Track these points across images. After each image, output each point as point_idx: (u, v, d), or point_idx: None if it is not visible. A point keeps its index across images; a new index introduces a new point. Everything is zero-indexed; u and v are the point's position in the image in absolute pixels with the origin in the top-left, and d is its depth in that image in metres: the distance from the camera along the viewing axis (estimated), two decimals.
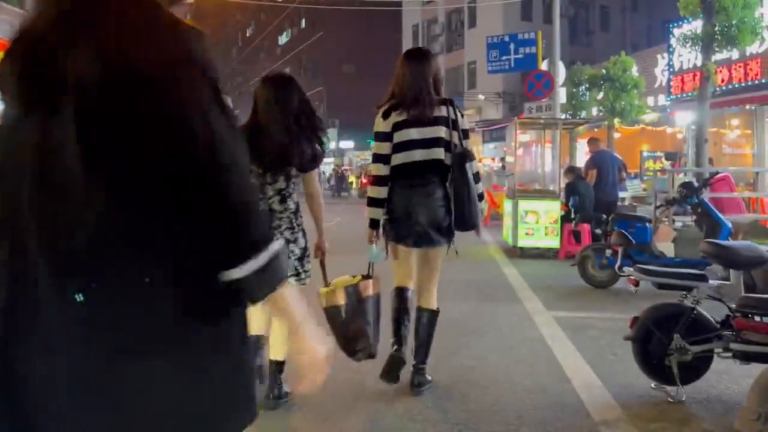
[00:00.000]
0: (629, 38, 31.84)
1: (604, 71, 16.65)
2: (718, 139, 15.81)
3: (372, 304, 3.29)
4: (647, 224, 6.59)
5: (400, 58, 3.61)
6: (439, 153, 3.42)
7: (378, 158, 3.50)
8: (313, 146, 3.15)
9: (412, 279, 3.63)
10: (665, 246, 6.59)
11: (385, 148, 3.47)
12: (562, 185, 9.82)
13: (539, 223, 9.18)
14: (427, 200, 3.42)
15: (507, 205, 10.25)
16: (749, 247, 3.52)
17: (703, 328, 3.40)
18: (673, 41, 14.93)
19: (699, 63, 11.32)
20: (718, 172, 7.57)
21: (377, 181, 3.51)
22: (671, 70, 16.06)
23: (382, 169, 3.48)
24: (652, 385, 3.53)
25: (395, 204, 3.47)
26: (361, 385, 3.61)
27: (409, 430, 3.05)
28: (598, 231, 8.40)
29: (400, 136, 3.43)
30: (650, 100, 18.06)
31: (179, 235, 1.03)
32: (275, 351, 3.21)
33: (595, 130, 17.36)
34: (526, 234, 9.24)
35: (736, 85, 14.28)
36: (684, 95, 15.34)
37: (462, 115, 3.55)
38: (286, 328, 1.19)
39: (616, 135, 17.01)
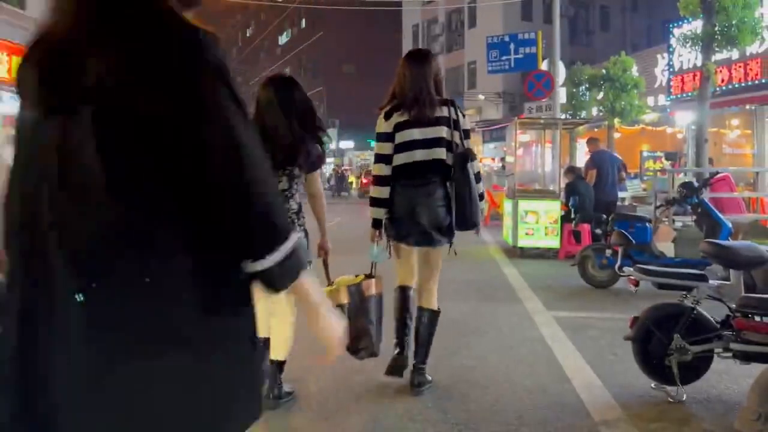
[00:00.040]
0: (629, 38, 31.84)
1: (604, 71, 16.65)
2: (718, 139, 15.81)
3: (374, 303, 3.31)
4: (647, 224, 6.59)
5: (402, 60, 3.64)
6: (441, 153, 3.45)
7: (380, 158, 3.53)
8: (316, 147, 3.18)
9: (414, 278, 3.65)
10: (665, 246, 6.59)
11: (386, 148, 3.49)
12: (562, 185, 9.82)
13: (539, 223, 9.19)
14: (428, 200, 3.44)
15: (507, 205, 10.25)
16: (749, 247, 3.52)
17: (703, 328, 3.40)
18: (673, 41, 14.92)
19: (699, 63, 11.31)
20: (718, 172, 7.57)
21: (379, 181, 3.53)
22: (671, 70, 16.06)
23: (384, 170, 3.50)
24: (652, 385, 3.53)
25: (397, 204, 3.49)
26: (361, 385, 3.62)
27: (409, 430, 3.05)
28: (598, 231, 8.40)
29: (401, 137, 3.45)
30: (650, 100, 18.06)
31: (201, 231, 1.06)
32: (275, 351, 3.21)
33: (595, 130, 17.37)
34: (526, 234, 9.24)
35: (736, 85, 14.28)
36: (684, 95, 15.34)
37: (463, 116, 3.58)
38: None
39: (616, 135, 17.01)
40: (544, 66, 15.22)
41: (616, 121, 16.51)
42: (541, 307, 5.77)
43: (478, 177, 3.52)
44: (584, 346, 4.45)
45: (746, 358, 3.23)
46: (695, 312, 3.41)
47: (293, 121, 3.11)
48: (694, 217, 6.31)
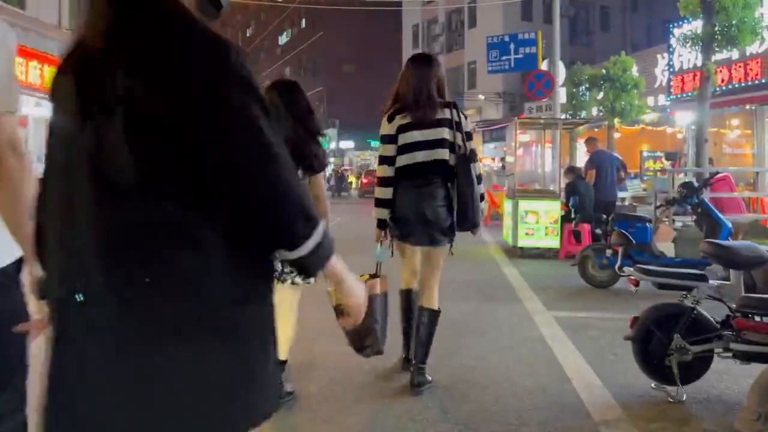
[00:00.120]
0: (629, 38, 31.87)
1: (604, 71, 16.65)
2: (718, 139, 15.81)
3: (380, 302, 3.32)
4: (647, 224, 6.59)
5: (406, 63, 3.73)
6: (443, 154, 3.50)
7: (383, 160, 3.60)
8: (321, 149, 3.24)
9: (416, 279, 3.76)
10: (665, 246, 6.59)
11: (390, 150, 3.55)
12: (562, 185, 9.83)
13: (539, 223, 9.19)
14: (429, 200, 3.49)
15: (507, 205, 10.25)
16: (749, 247, 3.52)
17: (704, 328, 3.40)
18: (673, 41, 14.93)
19: (699, 63, 11.31)
20: (718, 172, 7.58)
21: (383, 182, 3.60)
22: (671, 70, 16.07)
23: (387, 171, 3.57)
24: (652, 385, 3.53)
25: (399, 204, 3.56)
26: (361, 385, 3.62)
27: (409, 430, 3.06)
28: (598, 231, 8.40)
29: (404, 138, 3.52)
30: (650, 100, 18.07)
31: (231, 229, 1.13)
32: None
33: (595, 130, 17.37)
34: (526, 234, 9.24)
35: (736, 85, 14.28)
36: (684, 95, 15.34)
37: (465, 118, 3.64)
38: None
39: (616, 135, 17.01)
40: (544, 66, 15.22)
41: (616, 121, 16.52)
42: (541, 307, 5.77)
43: (479, 178, 3.57)
44: (584, 346, 4.46)
45: (746, 358, 3.23)
46: (695, 312, 3.41)
47: (298, 124, 3.17)
48: (694, 217, 6.31)
